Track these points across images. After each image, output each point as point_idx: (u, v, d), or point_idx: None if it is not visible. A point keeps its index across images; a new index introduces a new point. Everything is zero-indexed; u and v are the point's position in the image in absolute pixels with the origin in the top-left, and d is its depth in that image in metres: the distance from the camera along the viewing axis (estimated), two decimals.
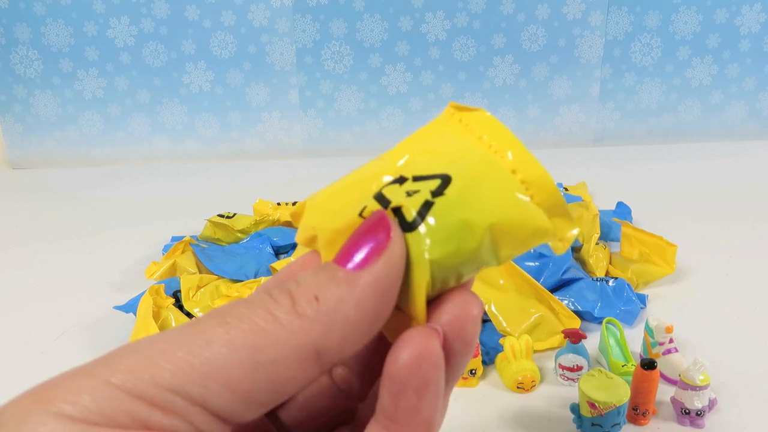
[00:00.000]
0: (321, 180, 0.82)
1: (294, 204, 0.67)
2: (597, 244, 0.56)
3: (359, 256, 0.13)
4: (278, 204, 0.68)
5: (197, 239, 0.61)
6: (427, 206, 0.13)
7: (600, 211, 0.62)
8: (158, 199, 0.82)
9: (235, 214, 0.64)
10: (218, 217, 0.63)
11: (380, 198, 0.14)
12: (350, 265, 0.13)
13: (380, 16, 0.96)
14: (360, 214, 0.14)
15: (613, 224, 0.61)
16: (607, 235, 0.60)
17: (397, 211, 0.13)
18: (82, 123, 1.01)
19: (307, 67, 0.99)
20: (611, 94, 1.02)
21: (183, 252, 0.56)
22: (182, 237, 0.60)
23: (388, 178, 0.14)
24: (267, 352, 0.12)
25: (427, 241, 0.13)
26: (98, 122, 1.01)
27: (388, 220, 0.13)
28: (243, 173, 0.95)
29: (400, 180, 0.14)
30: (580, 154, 1.00)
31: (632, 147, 1.02)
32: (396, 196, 0.14)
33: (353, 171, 0.15)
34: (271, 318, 0.12)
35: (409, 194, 0.13)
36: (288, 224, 0.66)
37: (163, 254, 0.58)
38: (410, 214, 0.13)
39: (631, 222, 0.63)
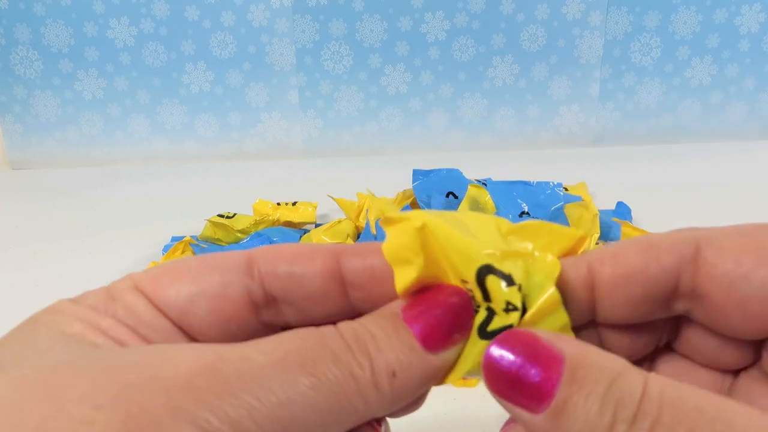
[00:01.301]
0: (321, 180, 0.82)
1: (294, 204, 0.67)
2: (597, 244, 0.56)
3: (438, 334, 0.13)
4: (278, 204, 0.68)
5: (197, 239, 0.61)
6: (503, 330, 0.13)
7: (600, 211, 0.62)
8: (158, 199, 0.82)
9: (235, 214, 0.64)
10: (218, 217, 0.63)
11: (481, 280, 0.13)
12: (426, 339, 0.13)
13: (380, 16, 0.96)
14: (462, 280, 0.14)
15: (613, 224, 0.61)
16: (607, 235, 0.60)
17: (489, 311, 0.13)
18: (82, 123, 1.01)
19: (306, 67, 0.99)
20: (611, 94, 1.03)
21: (183, 252, 0.56)
22: (182, 237, 0.60)
23: (501, 267, 0.14)
24: (340, 416, 0.12)
25: (475, 355, 0.13)
26: (98, 122, 1.01)
27: (473, 316, 0.14)
28: (243, 173, 0.95)
29: (510, 281, 0.13)
30: (580, 154, 1.00)
31: (632, 147, 1.03)
32: (497, 299, 0.13)
33: (477, 218, 0.15)
34: (354, 383, 0.12)
35: (507, 310, 0.13)
36: (288, 224, 0.66)
37: (163, 254, 0.58)
38: (495, 326, 0.13)
39: (631, 222, 0.63)
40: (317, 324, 0.15)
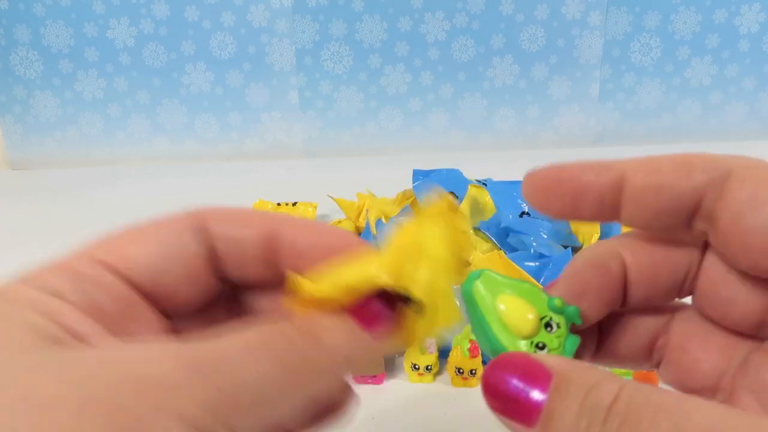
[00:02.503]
0: (321, 180, 0.82)
1: (294, 204, 0.67)
2: None
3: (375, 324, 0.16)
4: (278, 204, 0.68)
5: None
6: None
7: None
8: (158, 199, 0.82)
9: None
10: None
11: None
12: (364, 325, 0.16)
13: (380, 16, 0.96)
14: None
15: (613, 224, 0.61)
16: (607, 235, 0.60)
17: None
18: (82, 124, 1.01)
19: (306, 67, 0.99)
20: (611, 95, 1.03)
21: None
22: None
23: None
24: (299, 388, 0.14)
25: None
26: (98, 123, 1.01)
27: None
28: (243, 173, 0.95)
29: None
30: (580, 154, 1.00)
31: (632, 147, 1.03)
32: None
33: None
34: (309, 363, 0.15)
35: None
36: None
37: None
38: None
39: None
40: (254, 283, 0.17)
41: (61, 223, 0.74)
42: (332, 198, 0.67)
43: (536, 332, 0.16)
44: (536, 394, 0.13)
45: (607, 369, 0.14)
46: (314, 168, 0.97)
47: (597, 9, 0.97)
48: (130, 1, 0.94)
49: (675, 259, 0.16)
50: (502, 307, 0.16)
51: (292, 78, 1.00)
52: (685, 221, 0.15)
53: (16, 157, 1.03)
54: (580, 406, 0.12)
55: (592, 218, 0.15)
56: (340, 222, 0.62)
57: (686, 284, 0.16)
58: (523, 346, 0.16)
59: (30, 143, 1.02)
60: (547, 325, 0.16)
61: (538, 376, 0.13)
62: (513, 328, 0.16)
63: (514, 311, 0.16)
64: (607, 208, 0.15)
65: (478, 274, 0.16)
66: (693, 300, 0.17)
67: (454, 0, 0.96)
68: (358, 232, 0.61)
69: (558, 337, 0.16)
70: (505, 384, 0.14)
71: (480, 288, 0.16)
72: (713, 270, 0.16)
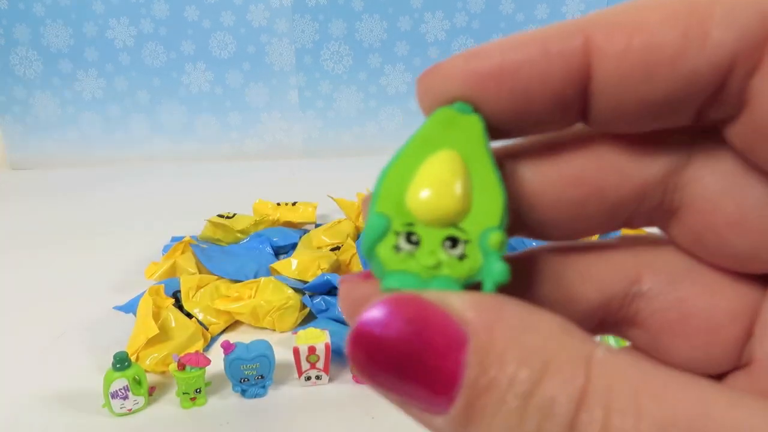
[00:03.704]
0: (321, 180, 0.82)
1: (294, 204, 0.67)
2: None
3: None
4: (278, 204, 0.68)
5: (197, 239, 0.61)
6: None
7: None
8: (158, 199, 0.82)
9: (235, 215, 0.64)
10: (218, 218, 0.63)
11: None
12: None
13: (379, 16, 0.96)
14: None
15: None
16: (606, 236, 0.60)
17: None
18: (81, 123, 1.01)
19: (306, 67, 0.99)
20: None
21: (183, 252, 0.56)
22: (182, 237, 0.60)
23: None
24: None
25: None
26: (98, 123, 1.01)
27: None
28: (243, 173, 0.95)
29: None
30: None
31: None
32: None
33: None
34: None
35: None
36: (288, 224, 0.66)
37: (163, 255, 0.58)
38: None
39: None
40: None
41: (61, 223, 0.74)
42: (332, 198, 0.67)
43: (435, 227, 0.10)
44: (441, 368, 0.08)
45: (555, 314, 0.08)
46: (314, 168, 0.97)
47: (597, 8, 0.97)
48: (130, 0, 0.94)
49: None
50: (434, 159, 0.10)
51: (292, 78, 1.00)
52: (690, 115, 0.09)
53: (16, 157, 1.03)
54: (523, 403, 0.07)
55: (540, 129, 0.09)
56: (340, 222, 0.62)
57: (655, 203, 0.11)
58: (398, 224, 0.10)
59: (30, 143, 1.02)
60: (453, 240, 0.10)
61: (443, 338, 0.08)
62: (415, 197, 0.10)
63: (439, 176, 0.10)
64: (569, 110, 0.09)
65: (465, 109, 0.10)
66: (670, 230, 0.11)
67: (454, 0, 0.96)
68: (358, 232, 0.61)
69: (450, 266, 0.09)
70: (391, 348, 0.08)
71: (439, 120, 0.10)
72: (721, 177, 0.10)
